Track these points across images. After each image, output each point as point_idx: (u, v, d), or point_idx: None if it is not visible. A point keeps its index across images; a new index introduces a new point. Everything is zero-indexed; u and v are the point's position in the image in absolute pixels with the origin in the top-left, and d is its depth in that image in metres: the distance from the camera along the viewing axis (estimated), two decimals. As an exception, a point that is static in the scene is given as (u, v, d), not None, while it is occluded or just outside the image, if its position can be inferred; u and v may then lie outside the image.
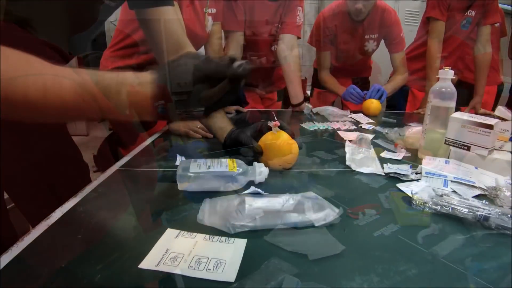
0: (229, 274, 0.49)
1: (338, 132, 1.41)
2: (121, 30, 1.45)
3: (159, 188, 0.80)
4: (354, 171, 0.94)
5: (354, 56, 2.19)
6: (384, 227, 0.66)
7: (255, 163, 0.81)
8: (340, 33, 2.08)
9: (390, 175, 0.90)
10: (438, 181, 0.84)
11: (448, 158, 0.97)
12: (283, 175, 0.89)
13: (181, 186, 0.77)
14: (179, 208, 0.71)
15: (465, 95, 2.12)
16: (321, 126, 1.51)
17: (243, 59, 1.80)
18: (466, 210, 0.67)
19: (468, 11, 2.01)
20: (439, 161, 0.92)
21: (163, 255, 0.53)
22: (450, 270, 0.53)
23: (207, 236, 0.59)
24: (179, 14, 1.27)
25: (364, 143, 1.07)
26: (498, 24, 2.16)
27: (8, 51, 0.47)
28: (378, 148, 1.17)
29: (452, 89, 1.02)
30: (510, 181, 0.83)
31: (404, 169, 0.90)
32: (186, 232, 0.60)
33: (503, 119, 1.19)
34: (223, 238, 0.58)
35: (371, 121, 1.67)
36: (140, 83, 0.56)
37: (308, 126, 1.52)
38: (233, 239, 0.58)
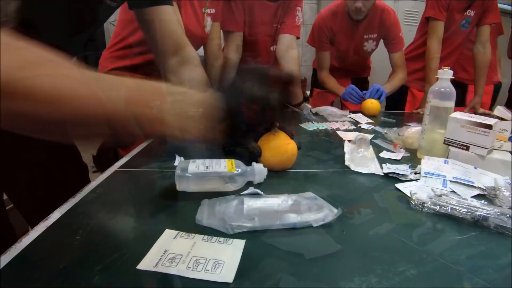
0: (227, 274, 0.49)
1: (337, 132, 1.41)
2: (120, 31, 1.45)
3: (157, 189, 0.80)
4: (353, 171, 0.94)
5: (353, 56, 2.19)
6: (382, 227, 0.66)
7: (254, 164, 0.81)
8: (339, 33, 2.09)
9: (389, 175, 0.90)
10: (437, 181, 0.84)
11: (447, 158, 0.97)
12: (281, 175, 0.89)
13: (180, 186, 0.76)
14: (177, 209, 0.71)
15: (459, 95, 2.13)
16: (320, 126, 1.51)
17: (242, 59, 1.81)
18: (465, 210, 0.67)
19: (467, 11, 2.01)
20: (438, 161, 0.92)
21: (162, 256, 0.53)
22: (449, 270, 0.53)
23: (206, 236, 0.59)
24: (178, 14, 1.27)
25: (363, 143, 1.07)
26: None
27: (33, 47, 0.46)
28: (377, 148, 1.17)
29: (451, 89, 1.02)
30: (509, 181, 0.83)
31: (403, 169, 0.90)
32: (184, 232, 0.60)
33: (502, 119, 1.19)
34: (222, 239, 0.58)
35: (370, 121, 1.67)
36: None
37: (307, 126, 1.52)
38: (231, 239, 0.58)
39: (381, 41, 2.14)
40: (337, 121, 1.61)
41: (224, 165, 0.77)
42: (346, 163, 0.97)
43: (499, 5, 2.08)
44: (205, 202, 0.70)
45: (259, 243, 0.59)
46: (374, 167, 0.95)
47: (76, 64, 0.48)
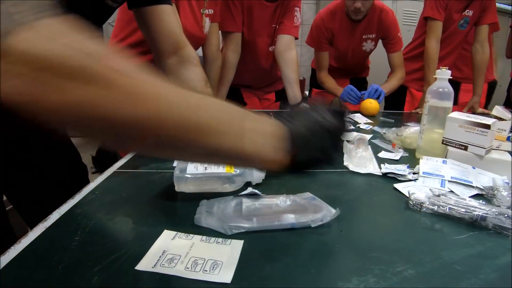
0: (226, 275, 0.50)
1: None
2: (119, 32, 1.45)
3: (156, 190, 0.80)
4: (351, 171, 0.94)
5: (352, 56, 2.19)
6: (381, 227, 0.66)
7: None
8: (338, 33, 2.09)
9: (388, 175, 0.90)
10: (436, 181, 0.85)
11: (446, 158, 0.97)
12: (280, 176, 0.89)
13: (178, 187, 0.77)
14: (176, 210, 0.71)
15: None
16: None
17: (241, 59, 1.81)
18: (463, 210, 0.68)
19: (466, 11, 2.01)
20: (436, 161, 0.92)
21: (160, 257, 0.53)
22: (447, 270, 0.53)
23: (204, 237, 0.59)
24: (177, 14, 1.27)
25: (361, 143, 1.07)
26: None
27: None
28: (375, 148, 1.18)
29: (449, 89, 1.02)
30: (507, 181, 0.83)
31: (401, 169, 0.91)
32: (183, 233, 0.60)
33: (500, 119, 1.20)
34: (220, 239, 0.58)
35: (369, 121, 1.67)
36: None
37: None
38: (229, 240, 0.58)
39: (380, 41, 2.14)
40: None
41: (222, 166, 0.78)
42: (345, 163, 0.97)
43: (499, 5, 2.09)
44: (204, 202, 0.70)
45: (257, 243, 0.59)
46: (372, 167, 0.96)
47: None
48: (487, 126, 0.90)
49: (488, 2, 2.00)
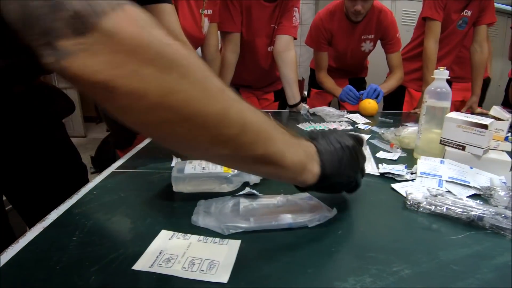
0: (222, 275, 0.50)
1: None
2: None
3: (154, 190, 0.80)
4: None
5: (351, 56, 2.20)
6: (378, 228, 0.66)
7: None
8: (337, 34, 2.09)
9: (385, 175, 0.90)
10: (433, 181, 0.85)
11: (444, 158, 0.98)
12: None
13: (176, 187, 0.77)
14: (174, 210, 0.71)
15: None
16: (317, 126, 1.51)
17: (240, 59, 1.81)
18: (460, 210, 0.68)
19: (464, 11, 2.01)
20: (434, 161, 0.92)
21: (157, 257, 0.54)
22: (444, 270, 0.53)
23: (201, 237, 0.59)
24: (176, 14, 1.27)
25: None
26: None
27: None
28: (374, 148, 1.18)
29: (447, 89, 1.03)
30: (504, 181, 0.83)
31: (399, 169, 0.91)
32: (180, 233, 0.60)
33: (498, 119, 1.20)
34: (217, 239, 0.58)
35: (367, 121, 1.67)
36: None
37: (305, 126, 1.52)
38: (227, 240, 0.58)
39: (379, 42, 2.15)
40: (334, 122, 1.62)
41: (220, 166, 0.78)
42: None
43: (499, 5, 2.09)
44: (201, 202, 0.70)
45: (255, 243, 0.59)
46: (370, 167, 0.96)
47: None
48: (485, 126, 0.90)
49: (486, 2, 2.00)
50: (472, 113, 2.07)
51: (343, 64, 2.28)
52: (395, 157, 1.07)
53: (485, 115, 1.25)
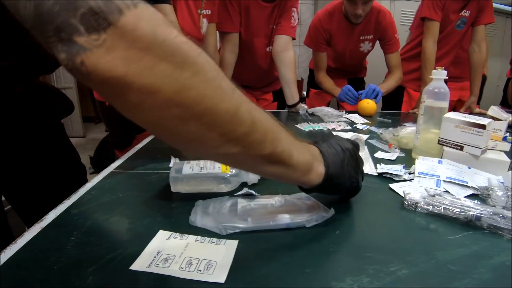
0: (220, 275, 0.50)
1: (333, 132, 1.42)
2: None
3: (152, 190, 0.80)
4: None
5: (349, 57, 2.20)
6: (375, 228, 0.66)
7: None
8: (336, 34, 2.09)
9: (383, 175, 0.90)
10: (431, 181, 0.85)
11: (442, 158, 0.98)
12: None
13: (174, 187, 0.77)
14: (172, 210, 0.71)
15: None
16: (316, 126, 1.51)
17: (239, 60, 1.81)
18: (458, 210, 0.68)
19: (463, 11, 2.01)
20: (432, 161, 0.93)
21: (155, 257, 0.54)
22: (442, 270, 0.53)
23: (199, 237, 0.59)
24: (174, 15, 1.27)
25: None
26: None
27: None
28: (372, 148, 1.18)
29: (445, 89, 1.03)
30: (502, 181, 0.83)
31: (397, 169, 0.91)
32: (178, 233, 0.60)
33: (496, 119, 1.20)
34: (215, 240, 0.58)
35: (366, 121, 1.68)
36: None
37: (303, 127, 1.52)
38: (224, 240, 0.58)
39: (377, 42, 2.15)
40: (333, 122, 1.62)
41: (218, 166, 0.78)
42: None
43: (497, 5, 2.09)
44: (199, 203, 0.70)
45: (252, 243, 0.59)
46: (368, 167, 0.96)
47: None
48: (483, 126, 0.90)
49: (485, 2, 2.00)
50: (471, 113, 2.07)
51: (342, 64, 2.28)
52: (393, 157, 1.07)
53: (483, 115, 1.25)
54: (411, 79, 2.27)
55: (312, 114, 1.86)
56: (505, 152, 0.98)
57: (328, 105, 2.29)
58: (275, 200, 0.70)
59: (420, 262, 0.55)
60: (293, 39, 1.95)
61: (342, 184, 0.65)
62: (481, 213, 0.66)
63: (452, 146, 0.96)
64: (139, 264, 0.52)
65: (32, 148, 0.99)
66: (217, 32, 1.80)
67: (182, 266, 0.51)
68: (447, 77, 1.03)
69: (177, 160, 0.98)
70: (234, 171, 0.78)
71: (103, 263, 0.52)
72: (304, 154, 0.58)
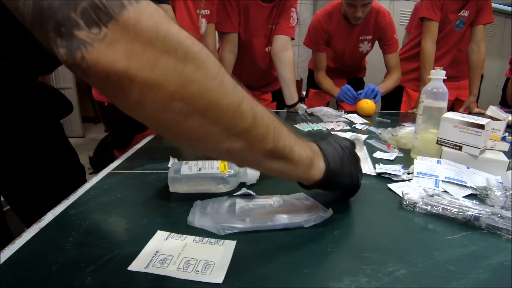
0: (218, 275, 0.50)
1: (332, 132, 1.41)
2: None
3: (151, 190, 0.80)
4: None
5: (349, 57, 2.20)
6: (373, 228, 0.66)
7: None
8: (335, 34, 2.09)
9: (382, 175, 0.90)
10: (430, 181, 0.85)
11: (440, 158, 0.98)
12: (274, 176, 0.89)
13: (173, 188, 0.77)
14: (170, 210, 0.71)
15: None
16: (315, 126, 1.51)
17: (238, 60, 1.81)
18: (456, 210, 0.68)
19: (462, 11, 2.02)
20: (431, 161, 0.93)
21: (153, 257, 0.54)
22: (440, 270, 0.53)
23: (197, 238, 0.59)
24: (173, 15, 1.27)
25: (357, 143, 1.07)
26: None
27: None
28: (371, 148, 1.18)
29: (444, 89, 1.03)
30: (501, 181, 0.83)
31: (396, 169, 0.91)
32: (176, 234, 0.60)
33: (494, 119, 1.20)
34: (213, 240, 0.58)
35: (365, 121, 1.68)
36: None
37: (303, 127, 1.52)
38: (222, 240, 0.58)
39: (376, 42, 2.15)
40: (332, 122, 1.62)
41: (216, 167, 0.78)
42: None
43: (496, 5, 2.09)
44: (198, 203, 0.70)
45: (250, 244, 0.59)
46: (367, 168, 0.96)
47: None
48: (482, 126, 0.90)
49: (484, 2, 2.00)
50: (470, 112, 2.07)
51: (341, 64, 2.28)
52: (392, 157, 1.07)
53: (482, 115, 1.25)
54: (410, 79, 2.27)
55: (311, 114, 1.86)
56: (503, 152, 0.98)
57: (327, 105, 2.29)
58: (273, 200, 0.70)
59: (418, 262, 0.55)
60: (292, 39, 1.95)
61: (342, 180, 0.65)
62: (480, 213, 0.66)
63: (451, 146, 0.96)
64: (137, 265, 0.52)
65: (31, 148, 0.99)
66: (216, 32, 1.80)
67: (180, 267, 0.51)
68: (445, 77, 1.03)
69: (176, 160, 0.98)
70: (232, 171, 0.78)
71: (101, 264, 0.52)
72: (305, 149, 0.58)
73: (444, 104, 1.03)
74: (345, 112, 1.84)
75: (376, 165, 0.96)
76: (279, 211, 0.66)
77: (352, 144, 0.69)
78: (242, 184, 0.81)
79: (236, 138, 0.46)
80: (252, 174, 0.81)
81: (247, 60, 1.97)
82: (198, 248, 0.56)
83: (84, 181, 1.13)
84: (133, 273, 0.50)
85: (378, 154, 1.10)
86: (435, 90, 1.03)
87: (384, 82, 2.14)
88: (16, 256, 0.55)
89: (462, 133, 0.94)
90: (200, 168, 0.77)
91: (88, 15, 0.33)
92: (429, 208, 0.70)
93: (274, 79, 2.16)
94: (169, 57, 0.37)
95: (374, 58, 2.34)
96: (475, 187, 0.82)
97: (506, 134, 1.08)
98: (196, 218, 0.64)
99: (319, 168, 0.61)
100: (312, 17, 2.21)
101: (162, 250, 0.55)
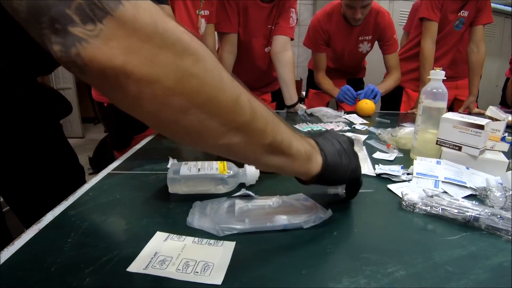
0: (217, 276, 0.50)
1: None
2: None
3: (150, 191, 0.80)
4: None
5: (348, 57, 2.20)
6: (373, 228, 0.66)
7: (246, 166, 0.82)
8: (335, 35, 2.09)
9: (382, 176, 0.90)
10: (429, 182, 0.85)
11: (440, 158, 0.98)
12: (273, 176, 0.89)
13: (172, 189, 0.77)
14: (169, 211, 0.71)
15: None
16: (315, 127, 1.51)
17: (237, 60, 1.80)
18: (456, 210, 0.68)
19: (461, 12, 2.01)
20: (430, 162, 0.93)
21: (152, 258, 0.54)
22: (439, 271, 0.53)
23: (196, 239, 0.59)
24: (173, 15, 1.27)
25: (356, 144, 1.07)
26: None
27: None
28: (370, 148, 1.18)
29: (443, 89, 1.03)
30: (500, 182, 0.83)
31: (395, 170, 0.91)
32: (175, 235, 0.60)
33: (494, 119, 1.20)
34: (212, 241, 0.58)
35: (365, 121, 1.68)
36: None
37: (302, 127, 1.52)
38: (221, 241, 0.58)
39: (376, 43, 2.15)
40: (331, 122, 1.62)
41: (216, 167, 0.78)
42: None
43: (496, 5, 2.08)
44: (197, 204, 0.70)
45: (249, 245, 0.59)
46: (366, 168, 0.96)
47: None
48: (481, 127, 0.90)
49: (483, 2, 2.00)
50: (470, 113, 2.07)
51: (341, 64, 2.28)
52: (392, 158, 1.07)
53: (482, 115, 1.25)
54: (409, 79, 2.27)
55: (311, 115, 1.86)
56: (503, 152, 0.98)
57: (327, 105, 2.29)
58: (272, 201, 0.70)
59: (417, 263, 0.55)
60: (292, 39, 1.94)
61: (340, 175, 0.65)
62: (479, 214, 0.66)
63: (450, 146, 0.96)
64: (136, 266, 0.52)
65: (30, 149, 0.99)
66: (216, 32, 1.80)
67: (179, 268, 0.51)
68: (444, 78, 1.03)
69: (175, 161, 0.98)
70: (231, 172, 0.78)
71: (100, 265, 0.52)
72: (303, 144, 0.58)
73: (443, 104, 1.03)
74: (344, 113, 1.84)
75: (376, 166, 0.96)
76: (278, 212, 0.66)
77: (349, 139, 0.69)
78: (242, 185, 0.81)
79: (235, 133, 0.46)
80: (251, 175, 0.81)
81: (246, 60, 1.97)
82: (197, 249, 0.56)
83: (83, 181, 1.13)
84: (132, 274, 0.50)
85: (377, 155, 1.10)
86: (434, 90, 1.03)
87: (384, 82, 2.14)
88: (16, 257, 0.54)
89: (461, 134, 0.94)
90: (199, 169, 0.77)
91: (83, 11, 0.33)
92: (428, 208, 0.70)
93: (273, 79, 2.16)
94: (167, 52, 0.37)
95: (374, 59, 2.34)
96: (475, 188, 0.82)
97: (506, 134, 1.08)
98: (195, 219, 0.64)
99: (317, 162, 0.61)
100: (312, 18, 2.21)
101: (161, 251, 0.55)
